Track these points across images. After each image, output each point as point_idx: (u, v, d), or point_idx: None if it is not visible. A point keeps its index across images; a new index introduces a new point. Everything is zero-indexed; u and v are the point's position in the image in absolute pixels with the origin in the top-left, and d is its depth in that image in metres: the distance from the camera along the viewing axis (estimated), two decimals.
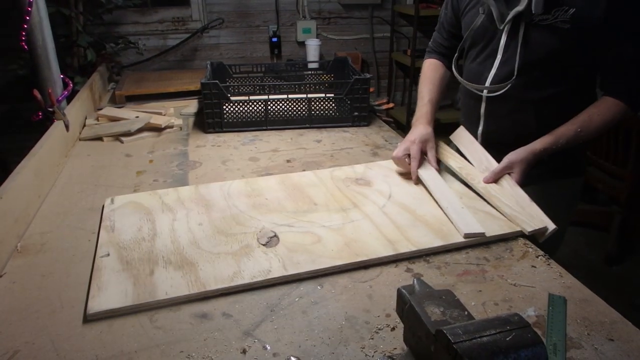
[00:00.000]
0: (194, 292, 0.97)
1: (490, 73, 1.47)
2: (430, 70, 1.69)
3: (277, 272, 1.02)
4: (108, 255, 1.09)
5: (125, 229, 1.19)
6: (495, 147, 1.53)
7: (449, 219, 1.20)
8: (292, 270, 1.03)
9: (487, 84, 1.48)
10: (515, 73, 1.39)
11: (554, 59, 1.36)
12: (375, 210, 1.26)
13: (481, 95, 1.51)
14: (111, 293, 0.96)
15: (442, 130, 3.47)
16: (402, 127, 3.79)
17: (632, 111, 1.35)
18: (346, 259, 1.06)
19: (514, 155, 1.34)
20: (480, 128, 1.56)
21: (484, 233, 1.14)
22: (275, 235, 1.16)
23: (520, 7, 1.33)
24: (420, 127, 1.51)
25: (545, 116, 1.42)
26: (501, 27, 1.40)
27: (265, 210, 1.28)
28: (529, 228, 1.15)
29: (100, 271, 1.03)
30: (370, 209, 1.27)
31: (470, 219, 1.18)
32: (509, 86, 1.42)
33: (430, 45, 1.77)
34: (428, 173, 1.41)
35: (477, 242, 1.14)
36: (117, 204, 1.31)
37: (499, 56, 1.44)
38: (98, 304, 0.93)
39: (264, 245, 1.12)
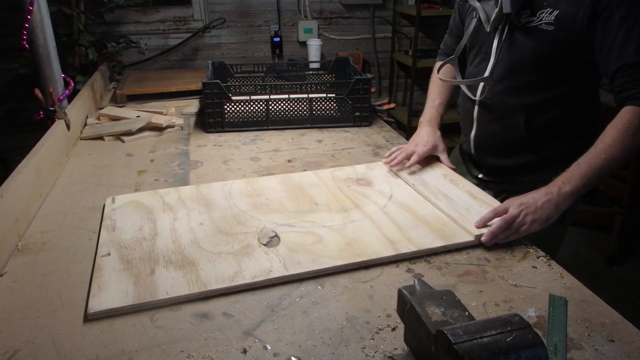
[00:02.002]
0: (194, 292, 0.97)
1: (484, 75, 1.45)
2: (441, 72, 1.69)
3: (278, 272, 1.02)
4: (109, 254, 1.09)
5: (126, 229, 1.19)
6: (487, 152, 1.52)
7: (457, 223, 1.19)
8: (293, 270, 1.03)
9: (480, 87, 1.47)
10: (489, 72, 1.39)
11: (541, 62, 1.34)
12: (376, 211, 1.26)
13: (475, 99, 1.50)
14: (112, 292, 0.96)
15: (443, 131, 3.45)
16: (403, 128, 3.79)
17: None
18: (347, 259, 1.06)
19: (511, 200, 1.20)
20: (473, 132, 1.54)
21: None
22: (276, 235, 1.16)
23: (498, 9, 1.33)
24: (429, 130, 1.52)
25: (535, 123, 1.40)
26: (488, 30, 1.40)
27: (266, 210, 1.28)
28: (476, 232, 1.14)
29: (100, 270, 1.03)
30: (371, 209, 1.27)
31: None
32: (487, 86, 1.41)
33: (441, 47, 1.77)
34: (430, 179, 1.41)
35: (478, 242, 1.14)
36: (118, 204, 1.31)
37: (492, 59, 1.43)
38: (99, 303, 0.94)
39: (264, 245, 1.12)
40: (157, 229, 1.19)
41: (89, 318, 0.92)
